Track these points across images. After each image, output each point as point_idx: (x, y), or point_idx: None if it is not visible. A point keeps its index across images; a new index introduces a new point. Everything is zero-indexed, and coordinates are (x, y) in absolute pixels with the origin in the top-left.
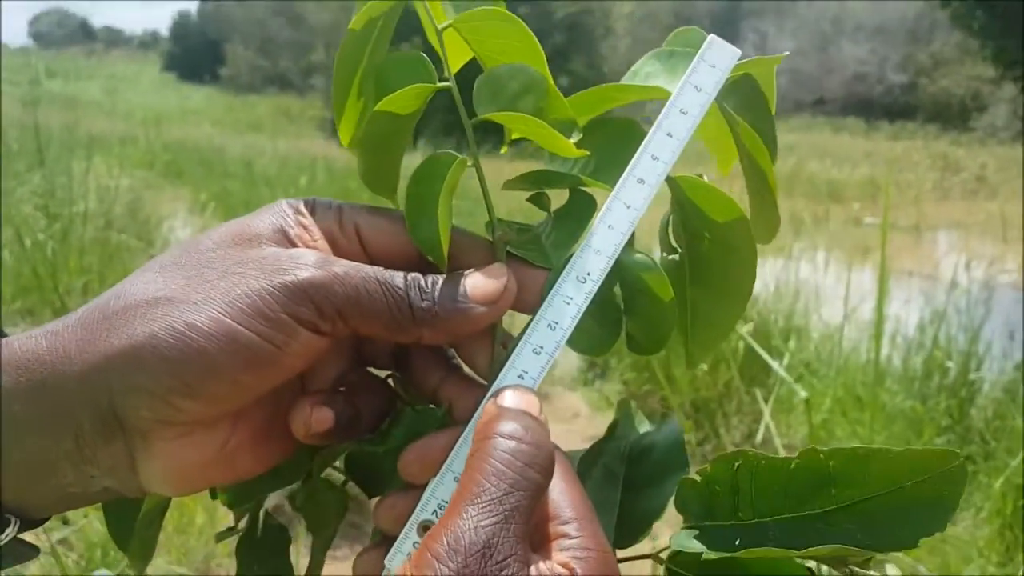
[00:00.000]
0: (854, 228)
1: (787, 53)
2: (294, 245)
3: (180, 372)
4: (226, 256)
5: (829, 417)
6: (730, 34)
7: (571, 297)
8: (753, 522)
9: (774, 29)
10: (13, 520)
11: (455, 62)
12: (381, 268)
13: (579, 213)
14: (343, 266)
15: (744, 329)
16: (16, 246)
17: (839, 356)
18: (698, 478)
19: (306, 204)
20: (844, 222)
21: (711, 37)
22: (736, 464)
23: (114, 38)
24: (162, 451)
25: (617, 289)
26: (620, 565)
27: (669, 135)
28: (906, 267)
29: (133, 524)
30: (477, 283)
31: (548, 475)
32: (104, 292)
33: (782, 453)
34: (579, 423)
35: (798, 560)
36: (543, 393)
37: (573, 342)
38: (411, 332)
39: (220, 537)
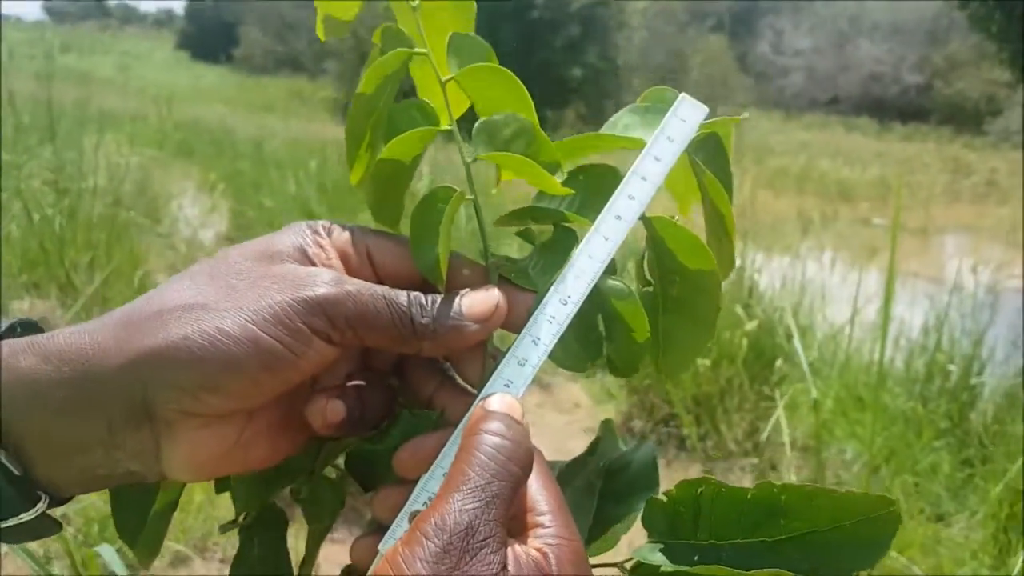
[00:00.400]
0: (862, 228)
1: (746, 115)
2: (312, 263)
3: (208, 370)
4: (252, 270)
5: (830, 417)
6: (747, 31)
7: (554, 316)
8: (709, 543)
9: (791, 26)
10: (44, 496)
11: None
12: (388, 287)
13: (562, 246)
14: (354, 284)
15: (748, 327)
16: (24, 220)
17: (842, 356)
18: (664, 499)
19: (324, 227)
20: (852, 222)
21: (682, 95)
22: (700, 489)
23: (129, 15)
24: (185, 440)
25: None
26: None
27: (644, 179)
28: (912, 269)
29: (140, 519)
30: (472, 303)
31: (526, 469)
32: (142, 296)
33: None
34: (580, 414)
35: None
36: (545, 383)
37: (555, 357)
38: (412, 344)
39: (223, 529)
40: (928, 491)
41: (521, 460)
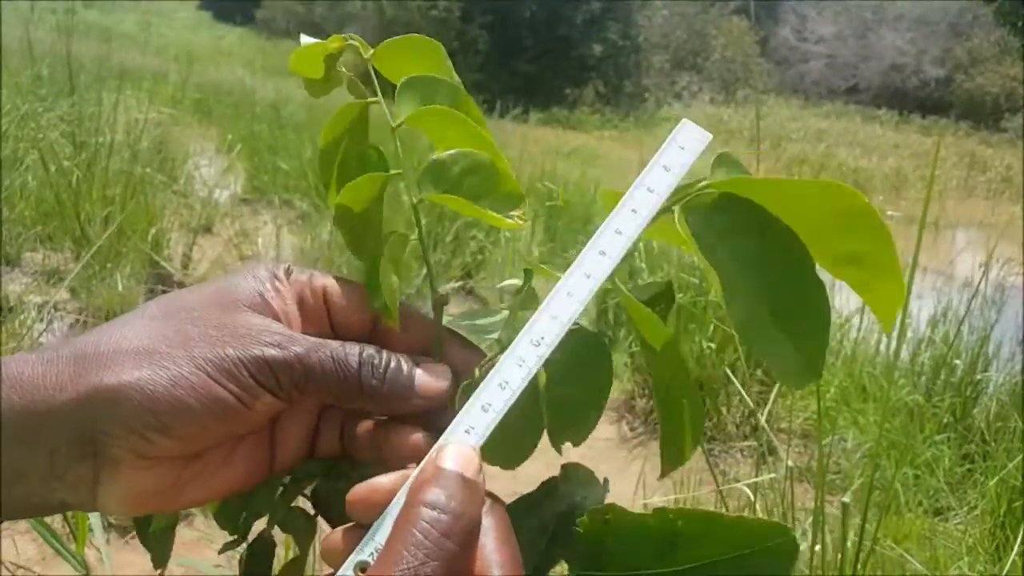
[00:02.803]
0: None
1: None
2: (270, 307)
3: (160, 413)
4: (207, 317)
5: (832, 406)
6: (770, 15)
7: (524, 359)
8: (622, 575)
9: (814, 12)
10: None
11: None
12: (338, 345)
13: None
14: (304, 346)
15: None
16: (40, 171)
17: (848, 346)
18: (580, 529)
19: (284, 270)
20: None
21: (683, 121)
22: (607, 517)
23: None
24: (126, 477)
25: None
26: None
27: (633, 211)
28: (921, 262)
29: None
30: (425, 379)
31: (466, 544)
32: (93, 330)
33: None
34: None
35: None
36: None
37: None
38: (357, 403)
39: (224, 548)
40: (928, 484)
41: (460, 536)
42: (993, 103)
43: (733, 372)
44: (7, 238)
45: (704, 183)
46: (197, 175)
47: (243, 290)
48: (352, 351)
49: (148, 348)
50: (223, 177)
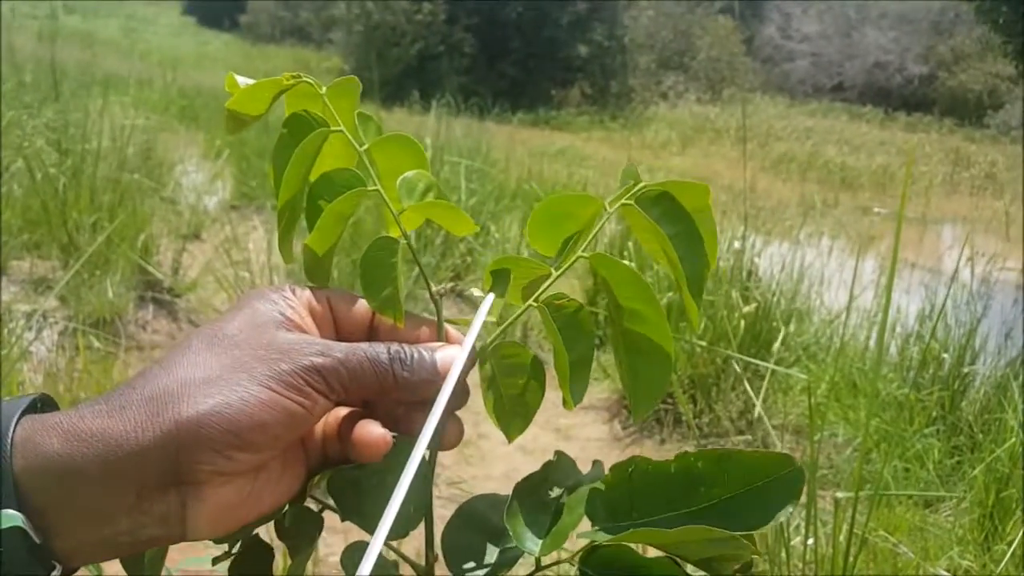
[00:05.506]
0: (862, 216)
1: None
2: (292, 322)
3: (240, 431)
4: (250, 341)
5: (823, 401)
6: (755, 14)
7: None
8: (643, 521)
9: (799, 11)
10: (57, 566)
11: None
12: (369, 346)
13: None
14: (342, 351)
15: (746, 310)
16: (26, 179)
17: (837, 342)
18: (603, 487)
19: (290, 288)
20: (853, 210)
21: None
22: (631, 469)
23: None
24: (209, 496)
25: None
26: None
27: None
28: (909, 258)
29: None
30: (444, 360)
31: None
32: (147, 374)
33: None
34: None
35: (670, 558)
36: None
37: None
38: (393, 393)
39: (216, 561)
40: (918, 476)
41: None
42: (976, 100)
43: (725, 370)
44: None
45: (643, 185)
46: (185, 181)
47: (266, 313)
48: (381, 350)
49: (212, 377)
50: (211, 183)
